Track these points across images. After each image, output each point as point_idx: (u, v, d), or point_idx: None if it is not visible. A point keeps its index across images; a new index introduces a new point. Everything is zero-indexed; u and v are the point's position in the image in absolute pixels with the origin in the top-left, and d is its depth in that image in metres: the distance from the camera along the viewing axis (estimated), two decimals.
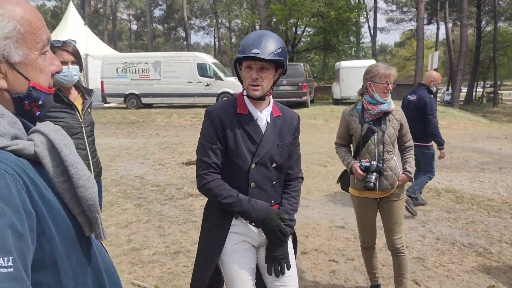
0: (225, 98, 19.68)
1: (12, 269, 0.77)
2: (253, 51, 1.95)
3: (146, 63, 20.60)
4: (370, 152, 3.12)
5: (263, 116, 2.11)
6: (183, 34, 51.63)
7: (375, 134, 3.10)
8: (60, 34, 23.99)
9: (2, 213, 0.78)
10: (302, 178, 2.32)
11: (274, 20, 24.72)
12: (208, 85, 20.04)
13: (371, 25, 36.05)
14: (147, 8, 44.95)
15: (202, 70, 20.18)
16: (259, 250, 2.18)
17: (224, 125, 2.04)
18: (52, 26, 32.92)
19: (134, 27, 62.61)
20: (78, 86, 2.89)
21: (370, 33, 36.07)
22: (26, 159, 0.91)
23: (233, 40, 47.78)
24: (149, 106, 21.08)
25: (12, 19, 0.92)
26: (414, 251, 4.30)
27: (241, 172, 2.08)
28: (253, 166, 2.08)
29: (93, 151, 2.90)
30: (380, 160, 3.08)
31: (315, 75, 23.90)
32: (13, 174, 0.83)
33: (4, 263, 0.76)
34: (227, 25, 49.88)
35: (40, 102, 1.00)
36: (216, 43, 52.62)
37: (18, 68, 0.94)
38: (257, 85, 2.01)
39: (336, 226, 5.00)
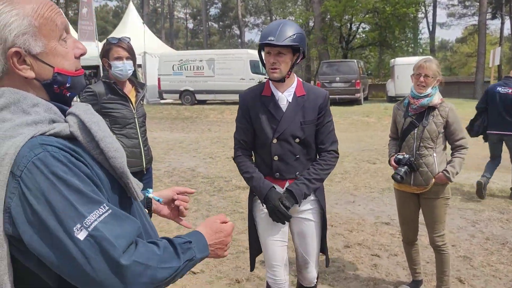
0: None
1: (110, 210, 0.97)
2: (269, 38, 2.20)
3: (200, 61, 21.12)
4: (409, 146, 3.13)
5: (284, 96, 2.36)
6: (238, 32, 52.26)
7: (416, 129, 3.10)
8: (120, 32, 25.10)
9: (68, 181, 0.94)
10: (336, 151, 2.48)
11: (328, 16, 24.51)
12: (260, 81, 20.17)
13: (430, 20, 34.83)
14: (202, 6, 45.92)
15: (255, 67, 20.38)
16: (291, 219, 2.44)
17: (249, 107, 2.38)
18: (114, 25, 34.39)
19: (190, 25, 64.19)
20: (132, 80, 3.11)
21: (429, 28, 34.85)
22: (64, 139, 1.02)
23: None
24: (203, 102, 21.61)
25: (26, 15, 1.01)
26: (461, 250, 4.22)
27: (265, 147, 2.38)
28: (274, 141, 2.34)
29: (144, 140, 3.11)
30: (415, 155, 3.07)
31: (369, 72, 23.41)
32: (59, 152, 0.97)
33: (103, 209, 0.96)
34: None
35: (68, 85, 1.10)
36: None
37: (41, 58, 1.04)
38: (275, 68, 2.26)
39: (382, 222, 4.99)
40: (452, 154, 3.14)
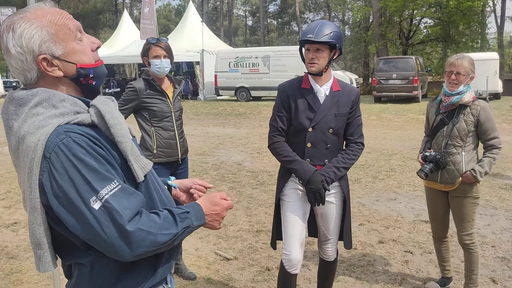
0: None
1: (120, 186, 1.18)
2: (308, 35, 2.45)
3: (256, 58, 21.41)
4: (438, 144, 3.13)
5: (322, 90, 2.59)
6: (297, 29, 52.13)
7: (445, 126, 3.09)
8: (180, 31, 25.98)
9: (85, 162, 1.15)
10: (363, 144, 2.73)
11: (388, 12, 23.89)
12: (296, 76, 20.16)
13: (498, 14, 32.91)
14: (261, 4, 46.28)
15: None
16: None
17: (289, 97, 2.60)
18: (175, 23, 35.42)
19: (249, 22, 64.89)
20: (170, 77, 3.36)
21: (497, 22, 32.95)
22: (87, 126, 1.22)
23: (347, 33, 47.05)
24: (258, 99, 21.91)
25: (44, 26, 1.21)
26: (501, 251, 4.12)
27: (300, 134, 2.60)
28: (310, 129, 2.57)
29: (180, 132, 3.34)
30: (443, 153, 3.07)
31: (428, 68, 22.56)
32: (80, 137, 1.17)
33: (114, 185, 1.16)
34: (341, 18, 49.19)
35: (91, 75, 1.29)
36: None
37: (63, 58, 1.24)
38: (314, 63, 2.50)
39: (421, 221, 4.94)
40: (483, 154, 3.10)
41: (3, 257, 4.04)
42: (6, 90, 35.63)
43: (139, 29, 20.93)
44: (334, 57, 2.53)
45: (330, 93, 2.59)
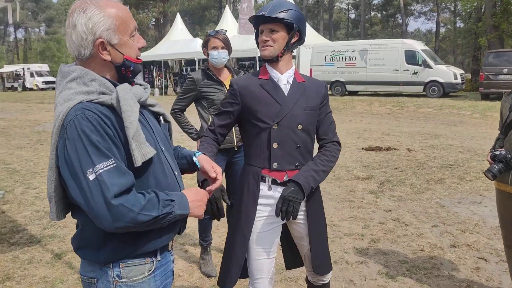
0: (433, 87, 18.60)
1: (115, 164, 1.32)
2: (261, 13, 2.08)
3: (353, 51, 20.93)
4: (510, 142, 2.86)
5: (284, 77, 2.19)
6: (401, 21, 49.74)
7: None
8: None
9: (89, 137, 1.30)
10: (339, 143, 2.34)
11: (502, 1, 21.76)
12: (415, 73, 19.23)
13: None
14: None
15: (410, 57, 19.44)
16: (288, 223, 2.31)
17: (241, 90, 2.18)
18: None
19: (352, 15, 63.34)
20: (229, 67, 3.51)
21: None
22: (108, 107, 1.39)
23: (458, 24, 43.77)
24: (354, 93, 21.43)
25: (110, 17, 1.41)
26: None
27: (264, 134, 2.17)
28: (275, 126, 2.14)
29: None
30: None
31: None
32: (92, 115, 1.33)
33: (109, 163, 1.31)
34: (452, 9, 45.90)
35: (131, 68, 1.49)
36: (436, 28, 48.97)
37: (116, 47, 1.44)
38: (267, 46, 2.10)
39: None
40: None
41: None
42: None
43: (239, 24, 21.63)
44: (292, 40, 2.13)
45: (294, 82, 2.20)
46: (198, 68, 26.22)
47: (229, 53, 3.35)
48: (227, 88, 3.39)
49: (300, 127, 2.17)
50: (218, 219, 1.93)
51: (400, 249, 4.00)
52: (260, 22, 2.13)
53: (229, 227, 2.36)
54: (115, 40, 1.42)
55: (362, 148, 8.53)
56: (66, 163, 1.32)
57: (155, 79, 28.45)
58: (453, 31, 45.10)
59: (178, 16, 31.97)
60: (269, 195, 2.20)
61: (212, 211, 1.89)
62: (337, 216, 4.84)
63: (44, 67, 42.02)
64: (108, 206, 1.29)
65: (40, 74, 39.50)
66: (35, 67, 40.94)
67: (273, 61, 2.16)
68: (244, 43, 22.16)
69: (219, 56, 3.30)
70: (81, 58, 1.43)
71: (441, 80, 18.62)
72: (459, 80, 18.76)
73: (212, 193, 1.82)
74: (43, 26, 73.53)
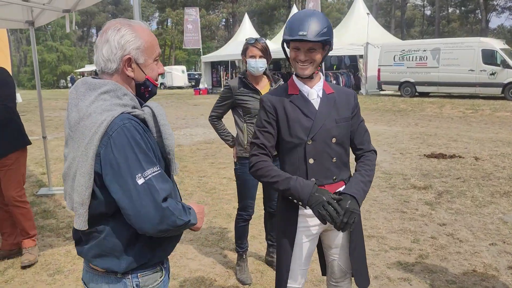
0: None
1: (160, 171, 1.44)
2: (300, 33, 1.99)
3: (424, 51, 20.04)
4: None
5: (314, 91, 2.16)
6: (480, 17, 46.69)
7: None
8: (346, 23, 25.76)
9: (139, 145, 1.41)
10: (376, 152, 2.32)
11: None
12: (493, 73, 18.01)
13: None
14: None
15: (488, 57, 18.22)
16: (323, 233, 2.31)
17: (276, 108, 2.14)
18: (331, 17, 35.09)
19: (428, 12, 60.53)
20: (268, 75, 3.46)
21: None
22: (141, 121, 1.50)
23: None
24: (425, 95, 20.48)
25: (140, 38, 1.53)
26: None
27: (299, 150, 2.14)
28: (309, 142, 2.12)
29: None
30: None
31: None
32: (138, 126, 1.45)
33: (156, 169, 1.43)
34: None
35: (149, 89, 1.62)
36: None
37: (141, 67, 1.56)
38: (307, 66, 2.07)
39: None
40: None
41: None
42: (190, 82, 40.33)
43: None
44: (327, 54, 2.15)
45: (324, 95, 2.17)
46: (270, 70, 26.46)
47: (268, 61, 3.32)
48: None
49: (334, 140, 2.15)
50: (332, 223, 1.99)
51: (450, 268, 3.74)
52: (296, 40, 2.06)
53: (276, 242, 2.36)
54: (141, 60, 1.54)
55: (424, 154, 8.10)
56: (112, 168, 1.39)
57: (222, 79, 29.04)
58: None
59: (246, 16, 32.39)
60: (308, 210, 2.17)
61: (331, 217, 1.95)
62: (386, 228, 4.63)
63: None
64: (157, 208, 1.39)
65: None
66: None
67: (309, 77, 2.15)
68: None
69: (256, 65, 3.28)
70: (106, 71, 1.53)
71: None
72: None
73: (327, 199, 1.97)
74: None
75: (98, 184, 1.43)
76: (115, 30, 1.51)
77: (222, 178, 6.76)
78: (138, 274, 1.53)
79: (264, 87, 3.41)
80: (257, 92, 3.35)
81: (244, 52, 3.34)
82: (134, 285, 1.52)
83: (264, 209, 3.75)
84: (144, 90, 1.60)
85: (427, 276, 3.61)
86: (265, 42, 3.34)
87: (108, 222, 1.47)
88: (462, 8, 54.57)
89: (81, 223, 1.45)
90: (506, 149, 8.46)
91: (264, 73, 3.44)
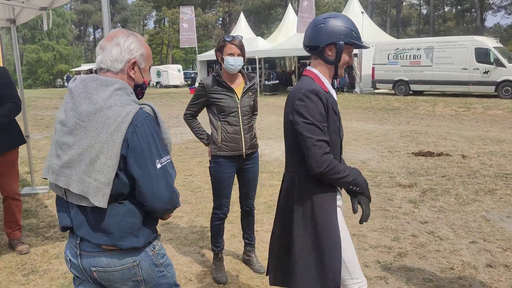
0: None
1: (171, 159, 1.72)
2: (364, 43, 2.17)
3: (418, 49, 20.05)
4: None
5: (333, 90, 2.24)
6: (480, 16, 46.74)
7: None
8: None
9: (158, 135, 1.69)
10: None
11: None
12: (486, 72, 18.02)
13: None
14: None
15: (481, 55, 18.23)
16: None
17: (327, 103, 2.09)
18: None
19: (424, 11, 60.54)
20: (243, 73, 3.43)
21: None
22: None
23: None
24: (418, 93, 20.48)
25: (144, 47, 1.79)
26: None
27: (337, 146, 2.18)
28: (343, 138, 2.25)
29: (247, 127, 3.37)
30: None
31: None
32: (153, 119, 1.71)
33: (169, 157, 1.71)
34: None
35: (143, 90, 1.85)
36: None
37: (141, 71, 1.80)
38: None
39: None
40: None
41: None
42: (186, 81, 40.24)
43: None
44: None
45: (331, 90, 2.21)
46: (259, 68, 26.59)
47: (244, 60, 3.29)
48: (238, 95, 3.33)
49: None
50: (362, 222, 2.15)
51: (428, 266, 3.73)
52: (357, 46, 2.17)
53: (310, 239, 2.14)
54: (142, 65, 1.79)
55: (412, 153, 8.08)
56: (136, 153, 1.60)
57: None
58: None
59: (241, 15, 32.34)
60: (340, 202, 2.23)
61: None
62: (367, 226, 4.61)
63: None
64: (169, 190, 1.65)
65: None
66: None
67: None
68: None
69: (235, 63, 3.23)
70: (111, 70, 1.72)
71: None
72: None
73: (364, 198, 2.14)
74: (119, 26, 77.63)
75: (121, 167, 1.61)
76: (124, 36, 1.73)
77: (208, 177, 6.70)
78: (153, 242, 1.79)
79: (239, 85, 3.37)
80: (231, 90, 3.32)
81: (221, 49, 3.28)
82: (152, 251, 1.76)
83: (241, 207, 3.73)
84: (139, 91, 1.82)
85: (404, 274, 3.59)
86: (241, 40, 3.31)
87: (127, 203, 1.66)
88: (458, 7, 54.64)
89: (104, 201, 1.59)
90: (494, 147, 8.46)
91: (239, 71, 3.40)
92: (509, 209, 5.09)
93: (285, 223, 2.24)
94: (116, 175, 1.59)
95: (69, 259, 1.76)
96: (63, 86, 48.73)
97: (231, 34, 33.09)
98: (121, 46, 1.71)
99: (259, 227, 4.64)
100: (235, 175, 3.50)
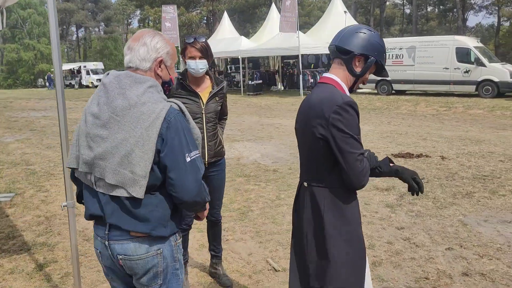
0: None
1: (200, 154, 1.81)
2: (384, 72, 2.20)
3: (400, 49, 20.06)
4: None
5: None
6: (461, 16, 47.14)
7: None
8: (324, 22, 25.66)
9: (188, 131, 1.79)
10: None
11: None
12: (467, 71, 18.09)
13: None
14: None
15: (462, 55, 18.31)
16: None
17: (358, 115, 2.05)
18: (313, 16, 34.97)
19: (408, 10, 60.91)
20: (210, 76, 3.23)
21: None
22: None
23: None
24: (401, 93, 20.49)
25: (169, 46, 1.88)
26: None
27: None
28: None
29: (211, 134, 3.17)
30: None
31: None
32: (182, 116, 1.82)
33: (198, 152, 1.79)
34: None
35: (170, 87, 1.98)
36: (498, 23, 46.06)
37: (167, 68, 1.90)
38: None
39: None
40: None
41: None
42: None
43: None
44: None
45: None
46: (243, 67, 26.37)
47: (209, 62, 3.10)
48: (203, 100, 3.15)
49: None
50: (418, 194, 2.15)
51: (402, 275, 3.59)
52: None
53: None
54: (168, 63, 1.89)
55: (392, 154, 7.98)
56: (168, 146, 1.72)
57: None
58: None
59: (225, 14, 32.09)
60: None
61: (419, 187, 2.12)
62: None
63: (99, 65, 43.67)
64: (197, 183, 1.75)
65: (95, 72, 41.04)
66: (91, 65, 42.63)
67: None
68: (287, 41, 21.79)
69: (196, 66, 3.04)
70: (141, 69, 1.83)
71: (496, 79, 17.39)
72: None
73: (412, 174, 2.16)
74: (102, 25, 76.58)
75: (155, 161, 1.72)
76: (150, 36, 1.83)
77: None
78: (176, 233, 1.90)
79: (205, 89, 3.18)
80: (195, 94, 3.12)
81: (183, 52, 3.10)
82: (175, 242, 1.89)
83: (206, 217, 3.54)
84: (166, 87, 1.93)
85: (377, 285, 3.45)
86: (205, 41, 3.10)
87: (159, 196, 1.78)
88: (441, 7, 55.08)
89: (141, 192, 1.71)
90: (473, 148, 8.40)
91: (207, 74, 3.21)
92: (487, 212, 4.99)
93: (314, 236, 2.10)
94: (151, 168, 1.71)
95: (99, 251, 1.88)
96: (44, 86, 47.79)
97: (214, 33, 32.66)
98: (148, 46, 1.81)
99: (230, 235, 4.46)
100: None
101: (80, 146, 1.81)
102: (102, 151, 1.73)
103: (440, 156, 7.71)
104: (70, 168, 1.87)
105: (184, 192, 1.71)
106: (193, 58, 3.04)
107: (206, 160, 3.17)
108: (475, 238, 4.32)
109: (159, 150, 1.70)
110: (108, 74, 1.83)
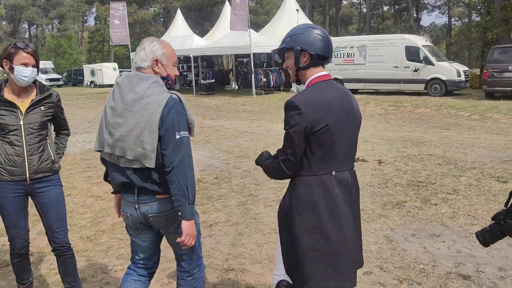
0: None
1: (188, 135, 2.28)
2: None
3: (351, 47, 19.93)
4: None
5: None
6: (416, 16, 48.05)
7: None
8: (277, 20, 25.32)
9: (183, 115, 2.26)
10: None
11: None
12: (416, 70, 18.13)
13: None
14: None
15: (412, 53, 18.34)
16: None
17: None
18: (272, 14, 34.81)
19: (365, 10, 61.66)
20: (36, 85, 2.91)
21: None
22: None
23: (474, 18, 41.94)
24: (353, 92, 20.27)
25: (164, 48, 2.35)
26: None
27: None
28: None
29: (32, 148, 2.81)
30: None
31: None
32: (180, 104, 2.27)
33: (187, 133, 2.28)
34: (466, 1, 44.05)
35: (169, 82, 2.38)
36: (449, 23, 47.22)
37: (164, 66, 2.35)
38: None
39: (459, 274, 3.56)
40: None
41: None
42: None
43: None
44: (303, 60, 2.28)
45: None
46: (195, 66, 25.63)
47: (38, 72, 2.82)
48: (21, 110, 2.77)
49: None
50: None
51: None
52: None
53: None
54: (164, 62, 2.35)
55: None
56: (166, 125, 2.18)
57: None
58: (469, 24, 43.28)
59: (178, 11, 31.27)
60: None
61: None
62: (252, 257, 3.93)
63: (48, 64, 41.91)
64: (180, 153, 2.19)
65: (44, 71, 39.30)
66: (40, 64, 40.75)
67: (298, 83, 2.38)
68: (239, 39, 21.25)
69: (30, 74, 2.73)
70: (142, 67, 2.32)
71: (444, 78, 17.50)
72: (462, 78, 17.58)
73: None
74: (55, 23, 73.76)
75: (159, 138, 2.19)
76: (149, 42, 2.34)
77: (89, 196, 5.81)
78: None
79: (29, 98, 2.82)
80: (12, 105, 2.75)
81: (11, 57, 2.69)
82: (196, 208, 2.40)
83: (50, 244, 3.02)
84: (165, 83, 2.34)
85: None
86: (35, 49, 2.80)
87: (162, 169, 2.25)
88: (396, 6, 56.04)
89: (152, 163, 2.19)
90: (413, 150, 8.10)
91: (33, 83, 2.87)
92: (415, 225, 4.59)
93: (357, 215, 2.42)
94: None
95: (129, 214, 2.34)
96: None
97: (167, 31, 31.79)
98: (146, 49, 2.30)
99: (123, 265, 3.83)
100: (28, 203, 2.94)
101: (104, 133, 2.27)
102: (120, 135, 2.20)
103: (377, 160, 7.33)
104: (97, 150, 2.34)
105: (168, 161, 2.16)
106: (26, 64, 2.72)
107: (27, 176, 2.79)
108: (399, 257, 3.88)
109: (159, 128, 2.16)
110: (120, 74, 2.31)
